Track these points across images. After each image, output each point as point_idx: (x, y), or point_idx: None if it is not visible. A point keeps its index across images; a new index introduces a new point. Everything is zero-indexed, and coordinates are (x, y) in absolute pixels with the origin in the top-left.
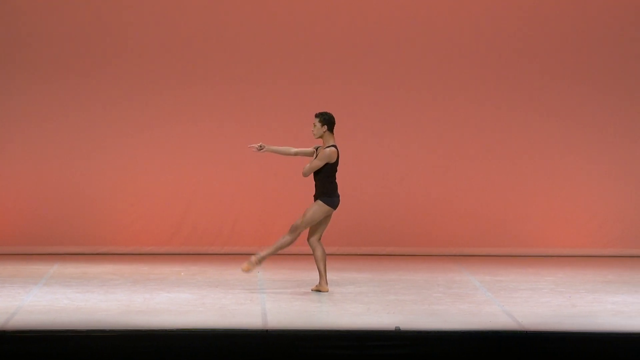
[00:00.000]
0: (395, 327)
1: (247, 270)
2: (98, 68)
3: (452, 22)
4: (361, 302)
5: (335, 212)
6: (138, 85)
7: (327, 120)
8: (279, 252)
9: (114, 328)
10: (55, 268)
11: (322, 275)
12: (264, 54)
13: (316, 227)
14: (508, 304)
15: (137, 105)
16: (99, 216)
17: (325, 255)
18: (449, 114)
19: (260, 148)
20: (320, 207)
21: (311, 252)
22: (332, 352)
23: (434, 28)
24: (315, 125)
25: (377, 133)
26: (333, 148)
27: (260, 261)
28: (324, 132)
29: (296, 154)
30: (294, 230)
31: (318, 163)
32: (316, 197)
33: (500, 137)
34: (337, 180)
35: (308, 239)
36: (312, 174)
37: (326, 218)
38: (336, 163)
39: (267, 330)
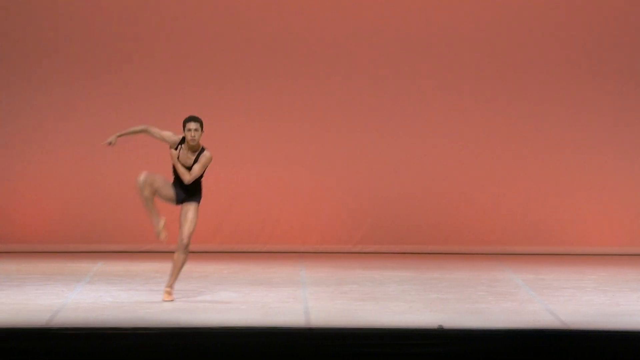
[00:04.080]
0: (438, 325)
1: (168, 299)
2: (138, 66)
3: (488, 15)
4: (403, 300)
5: (378, 211)
6: (178, 82)
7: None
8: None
9: (157, 326)
10: (99, 266)
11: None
12: (302, 52)
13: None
14: (551, 302)
15: (178, 103)
16: (142, 214)
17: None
18: (490, 112)
19: (110, 143)
20: (198, 208)
21: (348, 251)
22: (374, 350)
23: (470, 23)
24: (197, 131)
25: (419, 132)
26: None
27: (172, 288)
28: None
29: (148, 133)
30: (186, 246)
31: (201, 170)
32: (191, 198)
33: (542, 135)
34: (383, 180)
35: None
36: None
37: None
38: None
39: (309, 329)
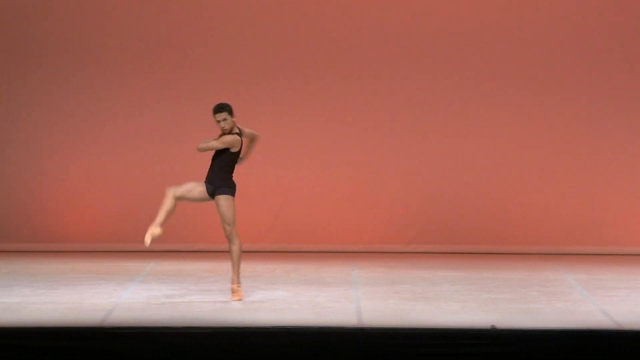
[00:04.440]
0: (491, 325)
1: (236, 299)
2: (187, 65)
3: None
4: (456, 300)
5: (431, 211)
6: (231, 80)
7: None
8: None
9: (209, 325)
10: (152, 265)
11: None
12: (359, 51)
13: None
14: (604, 302)
15: (236, 101)
16: (194, 214)
17: None
18: (545, 112)
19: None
20: (228, 199)
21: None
22: (427, 350)
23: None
24: (226, 120)
25: (472, 133)
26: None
27: (238, 284)
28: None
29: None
30: (231, 236)
31: (217, 144)
32: (218, 190)
33: (595, 134)
34: (435, 179)
35: (175, 195)
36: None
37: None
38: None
39: (361, 328)
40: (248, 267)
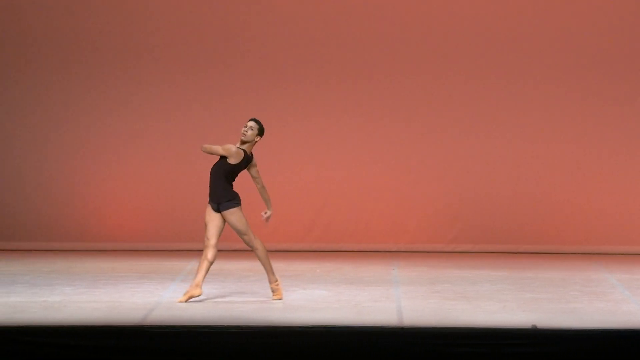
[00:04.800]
0: (532, 325)
1: (277, 298)
2: (226, 66)
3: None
4: (497, 300)
5: (471, 210)
6: (266, 84)
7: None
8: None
9: (250, 324)
10: (193, 264)
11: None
12: (389, 52)
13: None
14: None
15: (276, 101)
16: None
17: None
18: (584, 112)
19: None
20: (233, 213)
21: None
22: (467, 350)
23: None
24: (252, 129)
25: (512, 133)
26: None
27: (276, 283)
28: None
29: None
30: (250, 241)
31: (217, 149)
32: (221, 208)
33: (636, 133)
34: (475, 179)
35: (212, 243)
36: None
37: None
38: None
39: (402, 328)
40: (289, 267)
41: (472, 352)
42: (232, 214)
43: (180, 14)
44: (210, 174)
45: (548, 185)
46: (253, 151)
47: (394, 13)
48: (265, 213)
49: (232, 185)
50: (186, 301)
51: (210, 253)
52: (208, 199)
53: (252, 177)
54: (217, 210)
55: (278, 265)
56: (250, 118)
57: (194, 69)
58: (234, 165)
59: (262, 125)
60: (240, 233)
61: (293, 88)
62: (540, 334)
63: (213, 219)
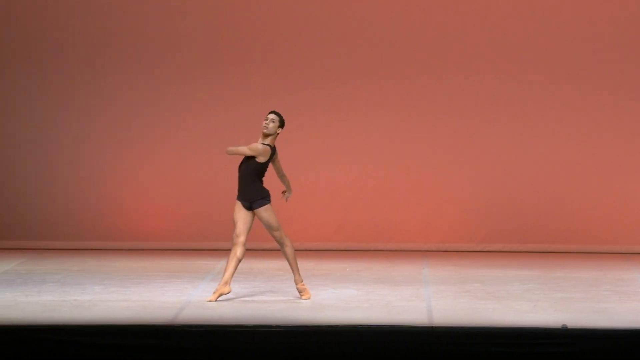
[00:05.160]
0: (562, 325)
1: (305, 298)
2: (257, 64)
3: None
4: (527, 299)
5: (502, 210)
6: (296, 82)
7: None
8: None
9: (280, 323)
10: (222, 263)
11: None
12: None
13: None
14: None
15: (305, 100)
16: None
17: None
18: (613, 111)
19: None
20: (265, 210)
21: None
22: (498, 349)
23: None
24: (273, 122)
25: (544, 132)
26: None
27: (302, 283)
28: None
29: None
30: (281, 239)
31: (245, 150)
32: (252, 206)
33: None
34: (506, 178)
35: (242, 240)
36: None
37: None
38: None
39: (432, 327)
40: (318, 266)
41: (503, 352)
42: (265, 211)
43: (204, 16)
44: (239, 173)
45: (580, 185)
46: (275, 143)
47: (427, 13)
48: (285, 192)
49: (262, 182)
50: (216, 300)
51: (239, 250)
52: (236, 197)
53: (275, 167)
54: (250, 208)
55: (308, 265)
56: (270, 111)
57: (226, 67)
58: (264, 162)
59: (282, 117)
60: (271, 229)
61: (324, 87)
62: (571, 333)
63: (242, 217)
